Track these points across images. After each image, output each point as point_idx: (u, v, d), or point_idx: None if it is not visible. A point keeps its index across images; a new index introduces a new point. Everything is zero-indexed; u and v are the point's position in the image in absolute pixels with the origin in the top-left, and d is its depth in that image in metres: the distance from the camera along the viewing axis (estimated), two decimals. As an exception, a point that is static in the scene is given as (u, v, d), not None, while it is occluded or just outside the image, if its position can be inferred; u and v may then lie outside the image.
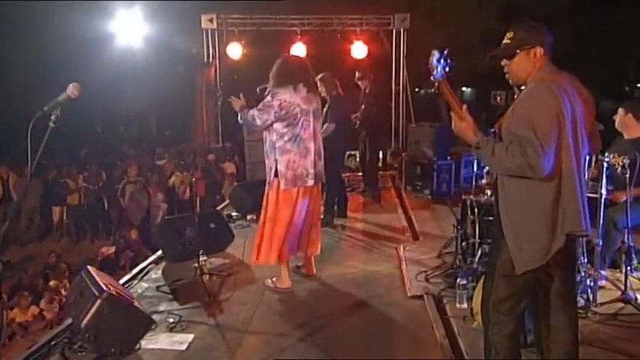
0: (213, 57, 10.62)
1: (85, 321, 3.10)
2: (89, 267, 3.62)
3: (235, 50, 10.64)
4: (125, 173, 10.73)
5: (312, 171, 4.07)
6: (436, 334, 3.45)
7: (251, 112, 4.01)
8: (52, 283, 7.70)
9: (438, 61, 2.30)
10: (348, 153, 8.89)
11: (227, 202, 7.32)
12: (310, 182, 4.08)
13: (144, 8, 10.97)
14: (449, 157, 7.62)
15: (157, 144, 14.52)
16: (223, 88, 9.69)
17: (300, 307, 3.94)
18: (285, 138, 3.98)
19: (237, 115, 4.19)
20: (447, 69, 2.28)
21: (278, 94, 3.95)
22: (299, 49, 10.35)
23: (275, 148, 4.00)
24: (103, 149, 14.17)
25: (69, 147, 12.44)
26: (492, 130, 2.40)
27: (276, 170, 4.00)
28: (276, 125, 3.98)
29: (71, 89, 2.26)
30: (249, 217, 6.37)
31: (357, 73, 7.34)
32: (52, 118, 2.18)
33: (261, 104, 3.99)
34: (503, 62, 2.45)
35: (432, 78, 2.33)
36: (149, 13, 11.05)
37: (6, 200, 10.26)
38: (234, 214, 6.54)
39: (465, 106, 2.32)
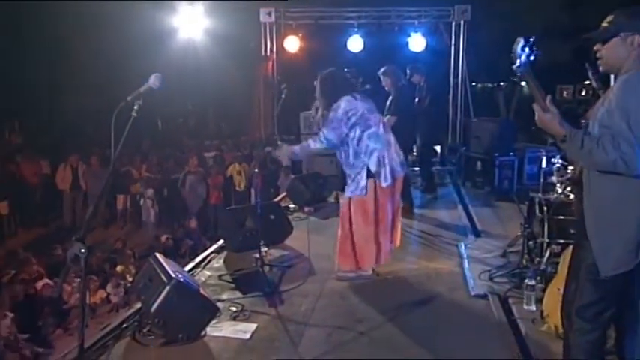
0: (271, 50, 10.70)
1: (155, 306, 3.20)
2: (157, 254, 3.73)
3: (293, 43, 10.69)
4: (186, 164, 11.03)
5: (399, 160, 4.16)
6: (502, 335, 3.35)
7: (320, 136, 4.03)
8: (118, 268, 8.02)
9: (523, 49, 2.19)
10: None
11: (284, 194, 7.38)
12: (402, 171, 4.17)
13: (205, 3, 11.21)
14: (511, 153, 7.38)
15: (214, 136, 14.85)
16: (281, 82, 9.76)
17: (360, 302, 3.91)
18: (365, 140, 4.02)
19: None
20: (532, 58, 2.17)
21: (340, 106, 4.01)
22: (356, 42, 10.28)
23: (360, 154, 4.03)
24: (163, 140, 14.62)
25: (132, 137, 12.89)
26: (583, 121, 2.27)
27: (368, 172, 4.01)
28: (352, 133, 4.01)
29: (153, 79, 2.32)
30: (306, 209, 6.41)
31: (407, 70, 7.21)
32: (135, 107, 2.25)
33: (328, 122, 4.03)
34: (597, 47, 2.28)
35: (514, 67, 2.23)
36: (210, 8, 11.28)
37: (75, 188, 10.77)
38: (291, 206, 6.60)
39: (549, 97, 2.20)
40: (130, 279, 7.56)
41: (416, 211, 6.37)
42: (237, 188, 10.73)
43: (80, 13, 12.21)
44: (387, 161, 4.05)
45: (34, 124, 14.75)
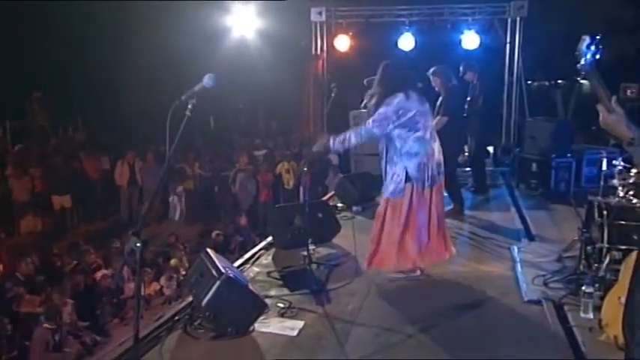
0: (321, 49, 10.74)
1: (206, 300, 3.28)
2: (208, 249, 3.82)
3: (343, 42, 10.69)
4: (237, 161, 11.24)
5: (441, 169, 4.10)
6: (557, 343, 3.23)
7: (363, 128, 3.99)
8: (172, 262, 8.27)
9: (588, 47, 2.10)
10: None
11: (332, 193, 7.40)
12: (441, 180, 4.10)
13: (258, 2, 11.38)
14: (569, 155, 7.09)
15: (264, 135, 15.05)
16: (331, 81, 9.79)
17: (409, 303, 3.87)
18: (410, 142, 3.96)
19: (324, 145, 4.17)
20: (598, 56, 2.08)
21: (392, 102, 3.94)
22: (407, 40, 10.15)
23: (402, 154, 3.98)
24: (215, 138, 14.94)
25: (185, 135, 13.24)
26: None
27: (406, 176, 3.97)
28: (398, 131, 3.96)
29: (206, 79, 2.37)
30: (354, 208, 6.40)
31: (460, 68, 7.06)
32: (189, 107, 2.31)
33: (376, 115, 3.97)
34: None
35: (578, 66, 2.13)
36: (262, 8, 11.44)
37: (132, 184, 11.20)
38: (339, 205, 6.60)
39: (614, 98, 2.10)
40: (183, 272, 7.78)
41: (466, 212, 6.23)
42: (286, 186, 10.84)
43: (138, 13, 12.66)
44: (428, 167, 3.99)
45: (95, 121, 15.42)
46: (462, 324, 3.56)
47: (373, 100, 4.09)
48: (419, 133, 3.98)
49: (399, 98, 3.93)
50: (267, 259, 4.86)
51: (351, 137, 4.00)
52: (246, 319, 3.41)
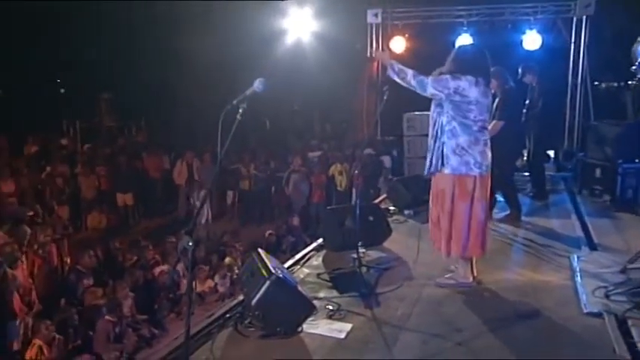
0: (377, 51, 10.69)
1: (255, 300, 3.34)
2: (259, 249, 3.89)
3: (399, 44, 10.62)
4: (291, 163, 11.39)
5: (479, 160, 3.92)
6: (618, 358, 3.06)
7: (425, 78, 3.87)
8: (227, 260, 8.48)
9: None
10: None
11: (384, 196, 7.35)
12: (476, 172, 3.91)
13: (314, 5, 11.47)
14: (637, 160, 6.71)
15: (319, 136, 15.14)
16: (384, 83, 9.75)
17: (459, 311, 3.78)
18: (455, 122, 3.88)
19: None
20: None
21: (459, 79, 3.84)
22: (465, 42, 9.94)
23: (445, 131, 3.91)
24: (270, 139, 15.18)
25: (241, 136, 13.55)
26: None
27: (441, 154, 3.91)
28: (448, 106, 3.88)
29: (257, 84, 2.43)
30: (406, 212, 6.33)
31: (519, 70, 6.83)
32: (240, 111, 2.37)
33: (439, 76, 3.90)
34: None
35: (632, 68, 2.03)
36: (318, 10, 11.52)
37: (190, 183, 11.57)
38: (391, 208, 6.54)
39: None
40: (237, 271, 7.95)
41: (524, 218, 6.03)
42: (338, 188, 10.87)
43: (197, 16, 13.07)
44: (462, 152, 3.88)
45: (157, 122, 16.06)
46: (515, 334, 3.44)
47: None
48: (467, 121, 3.87)
49: (465, 78, 3.84)
50: (317, 260, 4.89)
51: (408, 74, 3.89)
52: (294, 320, 3.45)
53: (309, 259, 4.92)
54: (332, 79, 13.21)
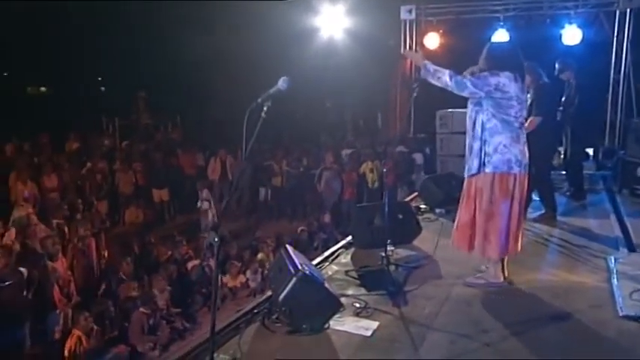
0: (410, 48, 10.60)
1: (282, 296, 3.37)
2: (288, 246, 3.92)
3: (433, 40, 10.51)
4: (323, 160, 11.42)
5: (519, 158, 3.84)
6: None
7: (461, 77, 3.77)
8: (259, 256, 8.59)
9: None
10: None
11: (415, 194, 7.29)
12: (516, 170, 3.83)
13: (347, 2, 11.45)
14: (681, 159, 6.46)
15: (351, 134, 15.11)
16: (419, 80, 9.66)
17: (488, 311, 3.72)
18: (496, 120, 3.79)
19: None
20: None
21: (498, 75, 3.75)
22: (501, 37, 9.75)
23: (485, 129, 3.81)
24: (302, 136, 15.25)
25: (273, 133, 13.65)
26: None
27: (482, 153, 3.82)
28: (488, 103, 3.79)
29: (281, 82, 2.46)
30: (438, 210, 6.26)
31: (556, 66, 6.64)
32: (264, 109, 2.40)
33: (477, 74, 3.81)
34: None
35: None
36: (351, 7, 11.50)
37: (224, 180, 11.75)
38: (422, 206, 6.49)
39: None
40: (268, 267, 8.04)
41: (559, 217, 5.88)
42: (370, 185, 10.83)
43: (230, 15, 13.23)
44: (504, 150, 3.79)
45: (192, 119, 16.36)
46: (545, 336, 3.37)
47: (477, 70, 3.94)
48: (509, 117, 3.78)
49: (504, 74, 3.75)
50: (346, 257, 4.89)
51: (445, 75, 3.74)
52: (321, 317, 3.47)
53: (337, 256, 4.93)
54: (365, 76, 13.17)
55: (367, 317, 3.63)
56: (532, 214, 5.93)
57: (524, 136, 3.91)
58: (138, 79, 16.46)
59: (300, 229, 9.57)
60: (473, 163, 3.90)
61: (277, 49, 13.22)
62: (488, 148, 3.81)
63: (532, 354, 3.16)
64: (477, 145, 3.86)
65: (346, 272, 4.48)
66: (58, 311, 6.46)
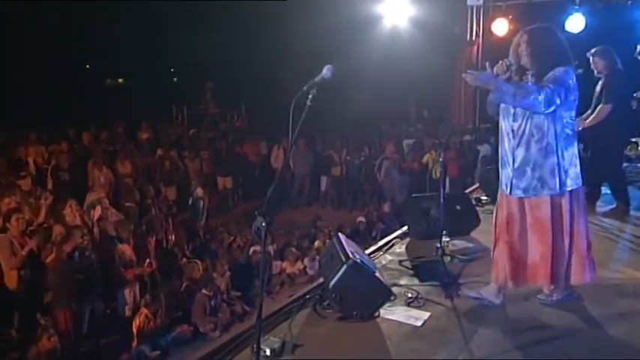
0: (477, 35, 10.28)
1: (333, 283, 3.42)
2: (340, 234, 3.96)
3: (501, 26, 10.13)
4: (383, 150, 11.35)
5: (577, 170, 3.33)
6: None
7: (544, 90, 3.00)
8: (316, 243, 8.71)
9: None
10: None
11: (477, 185, 7.08)
12: (580, 181, 3.35)
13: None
14: None
15: (414, 123, 14.88)
16: (484, 68, 9.34)
17: (547, 307, 3.56)
18: (569, 127, 3.23)
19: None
20: None
21: (567, 70, 3.15)
22: (576, 22, 9.26)
23: (561, 140, 3.18)
24: (364, 126, 15.19)
25: (334, 123, 13.68)
26: None
27: (559, 170, 3.20)
28: (560, 111, 3.16)
29: (325, 71, 2.48)
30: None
31: (637, 47, 6.20)
32: (310, 97, 2.43)
33: (554, 79, 3.09)
34: None
35: None
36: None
37: (286, 167, 11.93)
38: (483, 198, 6.30)
39: None
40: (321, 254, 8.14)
41: (632, 212, 5.52)
42: (433, 176, 10.64)
43: (294, 4, 13.35)
44: (577, 160, 3.31)
45: (256, 108, 16.72)
46: (608, 335, 3.20)
47: (512, 75, 3.24)
48: (573, 116, 3.28)
49: (570, 69, 3.19)
50: (400, 247, 4.86)
51: (529, 91, 3.03)
52: (371, 305, 3.48)
53: (392, 246, 4.90)
54: (429, 64, 12.89)
55: (418, 307, 3.60)
56: (602, 207, 5.62)
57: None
58: (207, 69, 17.02)
59: (358, 219, 9.58)
60: (546, 181, 3.22)
61: (340, 38, 13.20)
62: (565, 162, 3.22)
63: (592, 353, 3.02)
64: (551, 159, 3.19)
65: (400, 262, 4.46)
66: (127, 290, 6.86)
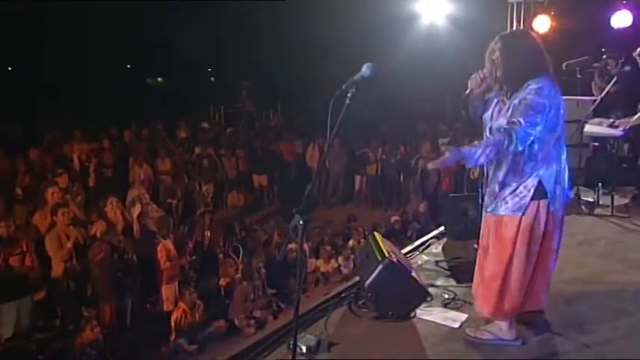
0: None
1: (368, 282, 3.42)
2: (375, 233, 3.95)
3: (543, 23, 9.81)
4: (419, 149, 11.25)
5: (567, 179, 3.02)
6: None
7: (514, 131, 2.70)
8: (350, 242, 8.71)
9: None
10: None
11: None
12: (570, 194, 3.12)
13: (449, -13, 11.08)
14: None
15: (450, 122, 14.67)
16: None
17: (590, 310, 3.48)
18: (551, 143, 2.87)
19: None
20: None
21: (542, 88, 2.78)
22: (623, 18, 8.90)
23: (537, 160, 2.85)
24: (399, 124, 15.09)
25: (371, 121, 13.63)
26: None
27: (536, 190, 2.86)
28: (540, 130, 2.80)
29: (365, 69, 2.47)
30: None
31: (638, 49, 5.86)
32: (349, 95, 2.43)
33: (527, 109, 2.75)
34: None
35: None
36: (454, -8, 11.11)
37: (321, 167, 11.97)
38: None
39: None
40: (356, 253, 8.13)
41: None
42: (471, 176, 10.46)
43: (330, 2, 13.36)
44: (562, 178, 2.93)
45: (292, 107, 16.83)
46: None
47: (483, 85, 3.00)
48: (558, 131, 2.88)
49: (544, 86, 2.80)
50: (437, 248, 4.80)
51: (497, 146, 2.74)
52: (407, 305, 3.46)
53: (428, 246, 4.86)
54: (467, 63, 12.65)
55: (456, 309, 3.57)
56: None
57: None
58: (244, 68, 17.23)
59: (393, 218, 9.53)
60: (520, 201, 2.90)
61: (377, 36, 13.14)
62: (545, 182, 2.87)
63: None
64: (525, 182, 2.88)
65: (436, 262, 4.42)
66: (167, 285, 7.02)
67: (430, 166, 3.03)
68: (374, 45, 12.84)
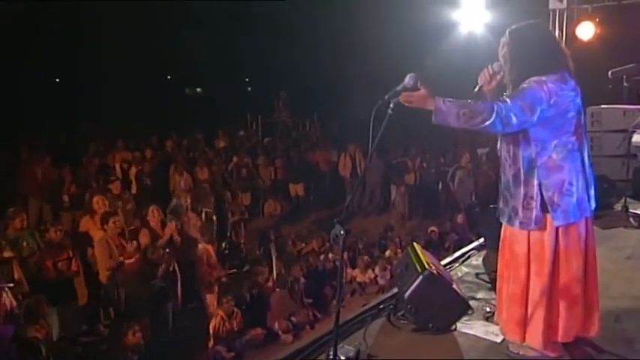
0: (560, 40, 9.81)
1: (408, 294, 3.37)
2: (414, 243, 3.91)
3: (587, 30, 9.59)
4: (458, 159, 11.10)
5: (591, 192, 2.79)
6: None
7: (502, 108, 2.54)
8: (387, 253, 8.65)
9: None
10: None
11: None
12: (592, 207, 2.81)
13: (487, -6, 10.96)
14: None
15: (490, 133, 14.43)
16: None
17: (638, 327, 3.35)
18: (552, 149, 2.67)
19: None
20: None
21: (545, 82, 2.60)
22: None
23: (536, 167, 2.68)
24: (439, 134, 14.92)
25: (411, 130, 13.51)
26: None
27: (542, 201, 2.69)
28: (535, 132, 2.66)
29: (407, 79, 2.46)
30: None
31: None
32: (391, 106, 2.43)
33: (521, 92, 2.61)
34: None
35: None
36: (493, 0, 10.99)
37: (355, 175, 11.97)
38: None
39: None
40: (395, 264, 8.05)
41: None
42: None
43: (366, 11, 13.38)
44: (573, 190, 2.69)
45: (328, 117, 16.92)
46: None
47: (493, 81, 2.85)
48: (569, 137, 2.68)
49: (551, 81, 2.61)
50: (477, 260, 4.72)
51: (475, 115, 2.54)
52: (447, 318, 3.40)
53: (468, 257, 4.78)
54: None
55: (498, 323, 3.48)
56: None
57: (588, 153, 2.80)
58: (280, 79, 17.46)
59: (430, 229, 9.41)
60: (531, 214, 2.73)
61: (414, 44, 13.09)
62: (549, 193, 2.68)
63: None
64: (528, 191, 2.72)
65: (477, 275, 4.34)
66: (208, 292, 7.11)
67: (401, 99, 2.55)
68: (411, 54, 12.79)
